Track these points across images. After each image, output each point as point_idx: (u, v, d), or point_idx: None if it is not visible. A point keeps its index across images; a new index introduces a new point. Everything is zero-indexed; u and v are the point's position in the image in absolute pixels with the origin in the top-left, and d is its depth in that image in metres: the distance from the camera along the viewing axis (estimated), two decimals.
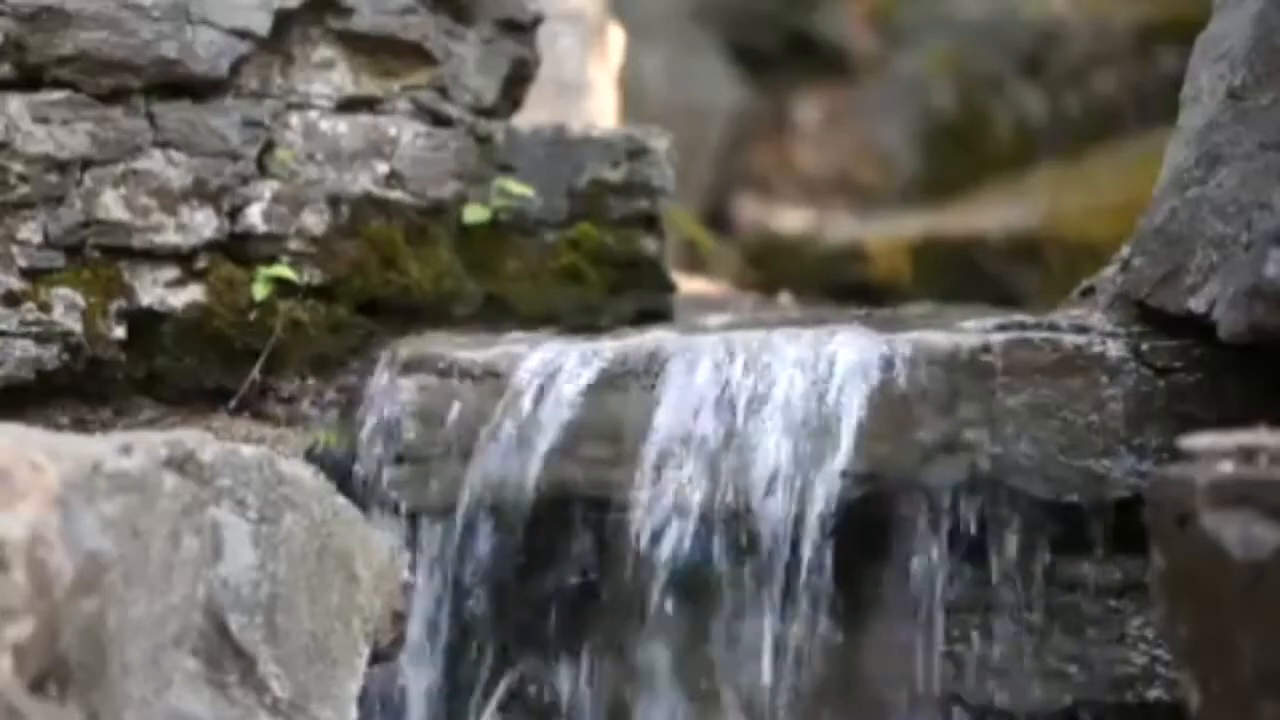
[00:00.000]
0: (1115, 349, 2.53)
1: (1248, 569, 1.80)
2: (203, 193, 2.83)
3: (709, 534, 2.52)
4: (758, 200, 6.87)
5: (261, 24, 2.86)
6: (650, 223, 3.17)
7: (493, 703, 2.60)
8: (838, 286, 5.47)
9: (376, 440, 2.71)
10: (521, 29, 3.15)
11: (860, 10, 7.44)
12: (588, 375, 2.62)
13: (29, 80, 2.75)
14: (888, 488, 2.51)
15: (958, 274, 5.51)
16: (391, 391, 2.73)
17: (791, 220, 6.64)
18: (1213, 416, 2.41)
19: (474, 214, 3.06)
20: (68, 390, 2.78)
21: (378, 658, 2.43)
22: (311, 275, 2.90)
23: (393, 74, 3.00)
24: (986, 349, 2.53)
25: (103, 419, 2.80)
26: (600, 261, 3.13)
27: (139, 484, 2.04)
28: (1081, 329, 2.57)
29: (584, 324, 3.08)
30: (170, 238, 2.81)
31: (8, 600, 1.83)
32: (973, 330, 2.61)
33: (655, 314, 3.15)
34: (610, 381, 2.61)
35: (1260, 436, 1.88)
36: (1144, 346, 2.53)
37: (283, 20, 2.89)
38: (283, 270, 2.87)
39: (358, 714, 2.37)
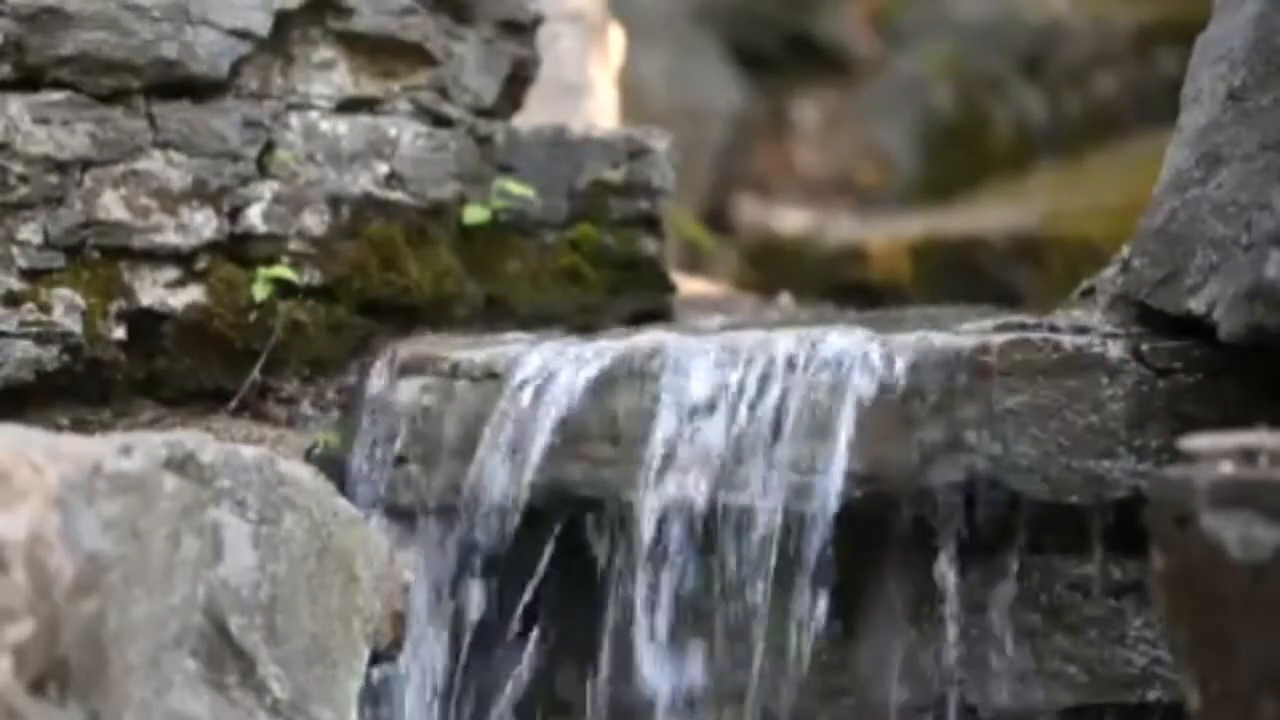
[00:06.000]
0: (1115, 350, 2.53)
1: (1248, 569, 1.80)
2: (203, 193, 2.83)
3: (709, 534, 2.52)
4: (758, 201, 6.87)
5: (261, 24, 2.86)
6: (650, 223, 3.17)
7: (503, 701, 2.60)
8: (838, 287, 5.46)
9: (376, 441, 2.71)
10: (522, 29, 3.15)
11: (860, 11, 7.43)
12: (587, 376, 2.62)
13: (29, 80, 2.75)
14: (887, 488, 2.51)
15: (958, 275, 5.51)
16: (391, 392, 2.73)
17: (791, 221, 6.64)
18: (1213, 417, 2.41)
19: (474, 215, 3.06)
20: (68, 391, 2.78)
21: (378, 659, 2.43)
22: (312, 276, 2.90)
23: (393, 74, 3.00)
24: (986, 349, 2.53)
25: (103, 420, 2.80)
26: (600, 262, 3.13)
27: (139, 485, 2.04)
28: (1081, 330, 2.57)
29: (584, 325, 3.08)
30: (170, 238, 2.81)
31: (8, 601, 1.83)
32: (972, 330, 2.61)
33: (655, 315, 3.15)
34: (610, 382, 2.61)
35: (1260, 437, 1.88)
36: (1144, 347, 2.53)
37: (283, 21, 2.89)
38: (283, 271, 2.87)
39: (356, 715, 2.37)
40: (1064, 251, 5.35)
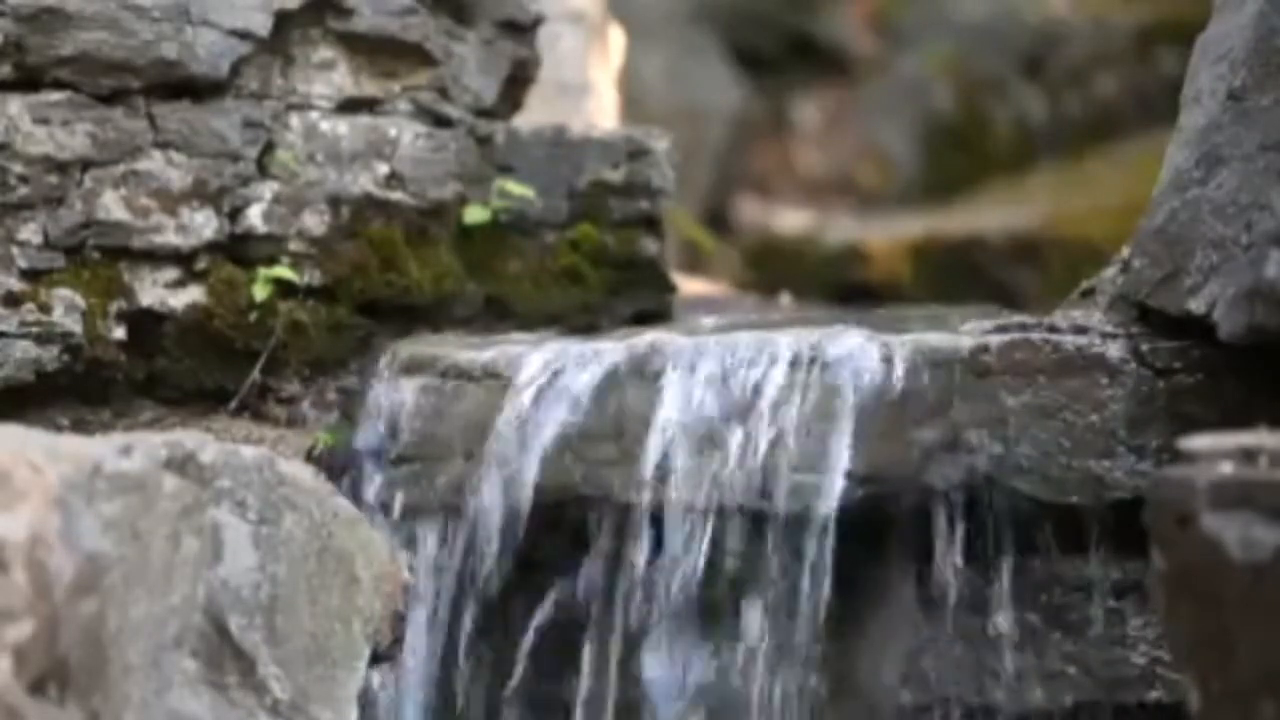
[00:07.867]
0: (1115, 350, 2.53)
1: (1248, 570, 1.80)
2: (203, 194, 2.83)
3: (709, 534, 2.52)
4: (758, 201, 6.88)
5: (262, 25, 2.86)
6: (650, 224, 3.17)
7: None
8: (838, 287, 5.47)
9: (377, 441, 2.71)
10: (522, 30, 3.15)
11: (861, 11, 7.44)
12: (588, 376, 2.62)
13: (29, 81, 2.75)
14: (888, 489, 2.51)
15: (958, 275, 5.52)
16: (391, 392, 2.73)
17: (792, 221, 6.65)
18: (1213, 417, 2.41)
19: (474, 215, 3.06)
20: (68, 391, 2.78)
21: (378, 659, 2.43)
22: (312, 276, 2.90)
23: (393, 75, 3.00)
24: (986, 349, 2.54)
25: (103, 420, 2.80)
26: (600, 262, 3.13)
27: (139, 485, 2.04)
28: (1081, 330, 2.57)
29: (584, 325, 3.08)
30: (170, 239, 2.81)
31: (8, 601, 1.83)
32: (972, 330, 2.61)
33: (655, 315, 3.15)
34: (610, 382, 2.61)
35: (1260, 437, 1.89)
36: (1144, 347, 2.53)
37: (283, 21, 2.89)
38: (283, 271, 2.87)
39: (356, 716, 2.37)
40: (1064, 251, 5.36)
